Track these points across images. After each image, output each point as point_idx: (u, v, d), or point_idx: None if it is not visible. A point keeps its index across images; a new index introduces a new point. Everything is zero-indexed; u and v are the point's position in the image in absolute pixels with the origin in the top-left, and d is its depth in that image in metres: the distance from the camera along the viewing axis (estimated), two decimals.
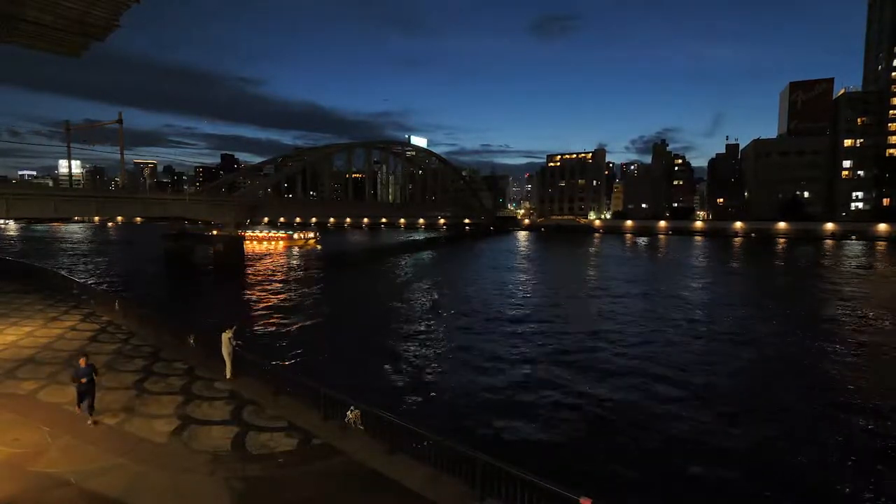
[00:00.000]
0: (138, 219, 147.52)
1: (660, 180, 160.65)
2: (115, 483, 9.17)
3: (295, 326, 29.07)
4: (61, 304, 24.91)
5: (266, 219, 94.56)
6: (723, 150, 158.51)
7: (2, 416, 11.81)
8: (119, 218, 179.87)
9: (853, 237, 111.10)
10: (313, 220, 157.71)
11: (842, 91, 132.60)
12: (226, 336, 14.53)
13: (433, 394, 18.74)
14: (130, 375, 14.81)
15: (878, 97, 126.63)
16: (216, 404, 12.87)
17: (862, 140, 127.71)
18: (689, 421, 16.41)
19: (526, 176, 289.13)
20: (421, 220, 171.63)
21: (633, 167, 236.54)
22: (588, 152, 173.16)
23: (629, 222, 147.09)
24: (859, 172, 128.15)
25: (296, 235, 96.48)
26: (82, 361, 11.65)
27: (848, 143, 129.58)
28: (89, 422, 11.45)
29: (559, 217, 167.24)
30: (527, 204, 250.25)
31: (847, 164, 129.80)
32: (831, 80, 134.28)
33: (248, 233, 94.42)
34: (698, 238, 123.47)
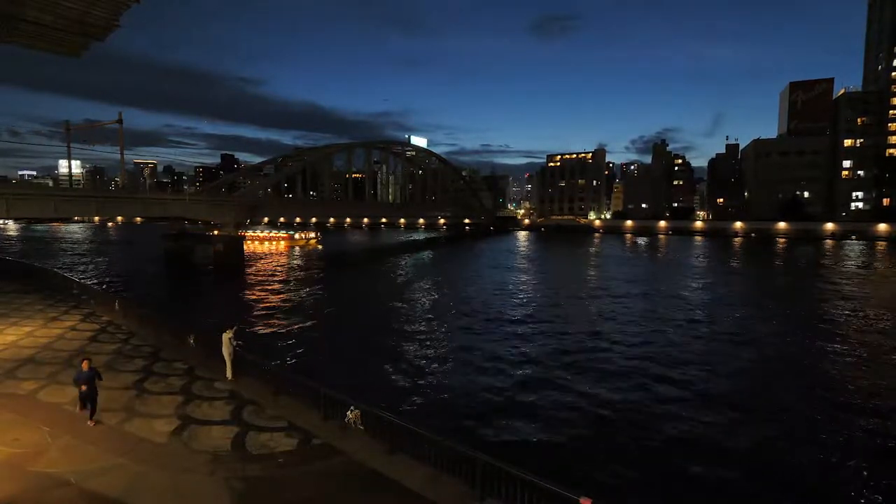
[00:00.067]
0: (138, 219, 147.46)
1: (660, 180, 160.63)
2: (115, 483, 9.17)
3: (295, 326, 29.07)
4: (61, 304, 24.91)
5: (266, 219, 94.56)
6: (723, 150, 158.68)
7: (2, 416, 11.81)
8: (119, 218, 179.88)
9: (853, 237, 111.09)
10: (313, 220, 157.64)
11: (842, 91, 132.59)
12: (226, 336, 14.52)
13: (433, 394, 18.73)
14: (130, 375, 14.81)
15: (878, 97, 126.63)
16: (216, 404, 12.87)
17: (862, 140, 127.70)
18: (690, 421, 16.41)
19: (526, 176, 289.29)
20: (421, 220, 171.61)
21: (633, 167, 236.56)
22: (588, 152, 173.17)
23: (629, 222, 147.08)
24: (859, 172, 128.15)
25: (297, 235, 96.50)
26: (85, 364, 11.56)
27: (848, 143, 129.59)
28: (89, 422, 11.44)
29: (559, 217, 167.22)
30: (527, 204, 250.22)
31: (847, 164, 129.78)
32: (831, 80, 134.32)
33: (250, 233, 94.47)
34: (698, 238, 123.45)
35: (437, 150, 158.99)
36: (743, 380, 20.87)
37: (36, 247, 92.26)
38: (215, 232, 63.63)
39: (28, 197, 45.86)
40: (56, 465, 9.70)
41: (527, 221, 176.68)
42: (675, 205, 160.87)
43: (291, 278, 50.61)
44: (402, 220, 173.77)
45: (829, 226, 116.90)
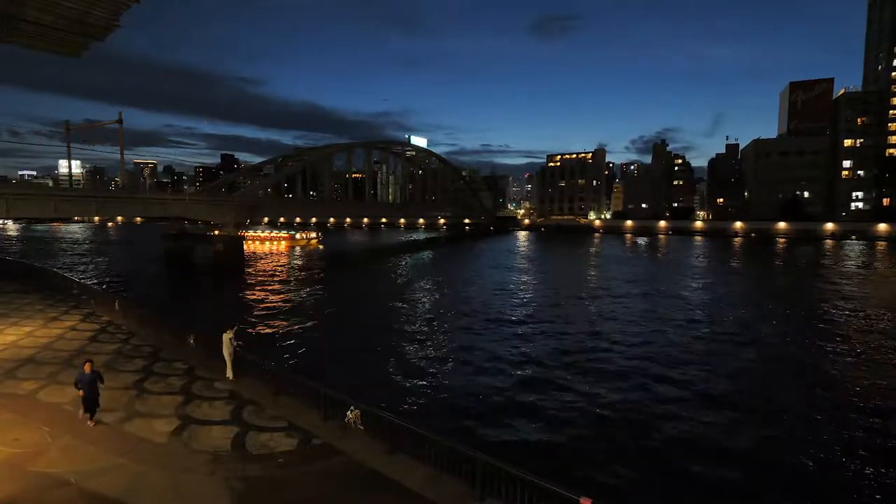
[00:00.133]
0: (138, 219, 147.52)
1: (660, 180, 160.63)
2: (115, 483, 9.17)
3: (295, 326, 29.07)
4: (61, 304, 24.91)
5: (266, 219, 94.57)
6: (723, 150, 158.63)
7: (2, 416, 11.81)
8: (119, 218, 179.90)
9: (853, 237, 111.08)
10: (313, 220, 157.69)
11: (842, 91, 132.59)
12: (226, 336, 14.52)
13: (433, 394, 18.73)
14: (130, 375, 14.81)
15: (878, 97, 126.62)
16: (216, 404, 12.86)
17: (862, 140, 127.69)
18: (690, 421, 16.41)
19: (526, 176, 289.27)
20: (421, 220, 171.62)
21: (633, 167, 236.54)
22: (588, 152, 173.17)
23: (629, 222, 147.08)
24: (859, 172, 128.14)
25: (298, 235, 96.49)
26: (87, 367, 11.45)
27: (848, 143, 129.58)
28: (89, 422, 11.43)
29: (559, 217, 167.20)
30: (527, 204, 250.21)
31: (847, 164, 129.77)
32: (831, 80, 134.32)
33: (250, 233, 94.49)
34: (698, 238, 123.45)
35: (437, 150, 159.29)
36: (743, 380, 20.86)
37: (36, 247, 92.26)
38: (215, 232, 63.66)
39: (28, 197, 45.88)
40: (56, 465, 9.70)
41: (527, 221, 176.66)
42: (675, 205, 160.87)
43: (291, 278, 50.61)
44: (402, 220, 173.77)
45: (829, 226, 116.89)
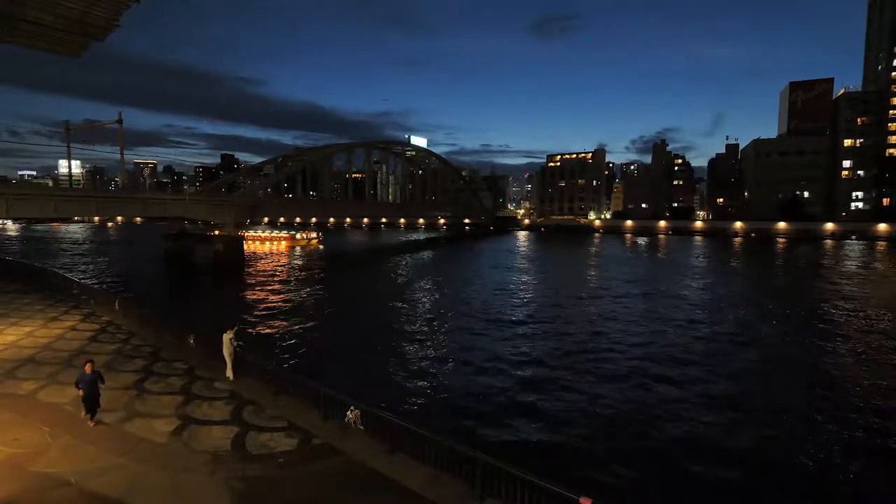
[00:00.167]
0: (138, 219, 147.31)
1: (660, 180, 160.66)
2: (115, 483, 9.16)
3: (295, 326, 29.07)
4: (61, 304, 24.90)
5: (266, 219, 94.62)
6: (723, 150, 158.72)
7: (2, 416, 11.80)
8: (119, 218, 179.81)
9: (853, 237, 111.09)
10: (313, 220, 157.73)
11: (842, 91, 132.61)
12: (227, 337, 14.51)
13: (433, 394, 18.74)
14: (130, 375, 14.80)
15: (878, 97, 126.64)
16: (216, 404, 12.86)
17: (862, 140, 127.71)
18: (690, 421, 16.42)
19: (526, 176, 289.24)
20: (421, 220, 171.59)
21: (633, 167, 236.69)
22: (588, 152, 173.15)
23: (629, 222, 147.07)
24: (859, 172, 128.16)
25: (299, 235, 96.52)
26: (88, 367, 11.42)
27: (848, 143, 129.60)
28: (90, 422, 11.43)
29: (559, 217, 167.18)
30: (527, 204, 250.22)
31: (847, 164, 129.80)
32: (831, 80, 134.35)
33: (251, 233, 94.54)
34: (698, 238, 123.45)
35: (437, 150, 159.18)
36: (743, 380, 20.87)
37: (36, 247, 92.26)
38: (215, 232, 63.69)
39: (28, 197, 45.89)
40: (56, 465, 9.70)
41: (527, 221, 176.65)
42: (675, 205, 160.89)
43: (291, 278, 50.61)
44: (402, 220, 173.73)
45: (829, 226, 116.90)
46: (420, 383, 19.78)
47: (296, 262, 67.57)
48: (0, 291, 27.85)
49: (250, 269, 57.29)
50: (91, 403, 11.32)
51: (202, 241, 64.70)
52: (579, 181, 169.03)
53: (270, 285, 45.18)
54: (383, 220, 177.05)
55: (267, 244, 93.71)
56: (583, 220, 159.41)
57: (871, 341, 26.81)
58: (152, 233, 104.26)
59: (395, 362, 22.36)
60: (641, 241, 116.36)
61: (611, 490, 12.13)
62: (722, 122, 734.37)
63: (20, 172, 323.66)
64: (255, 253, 77.96)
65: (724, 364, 22.76)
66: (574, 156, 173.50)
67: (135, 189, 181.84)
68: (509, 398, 18.31)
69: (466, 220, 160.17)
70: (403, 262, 69.10)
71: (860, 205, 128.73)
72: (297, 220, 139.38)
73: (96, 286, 36.97)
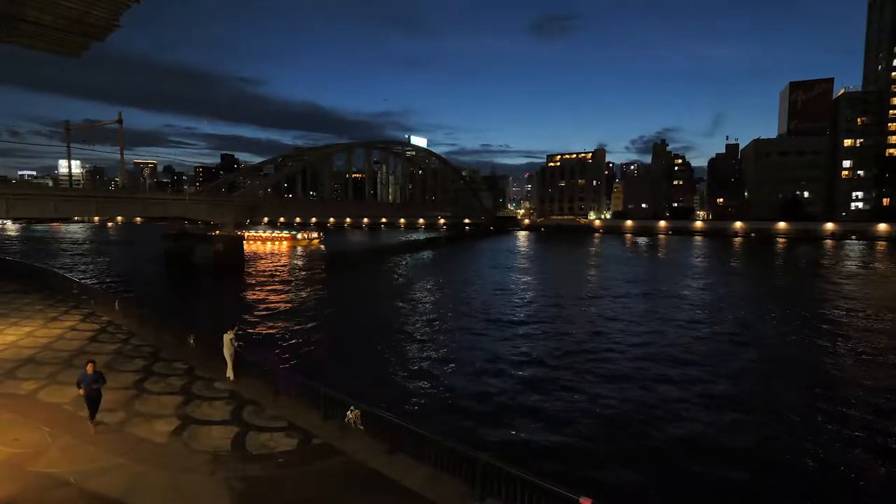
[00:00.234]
0: (138, 219, 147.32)
1: (660, 180, 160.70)
2: (115, 483, 9.16)
3: (295, 326, 29.06)
4: (61, 304, 24.90)
5: (266, 219, 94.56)
6: (723, 150, 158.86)
7: (2, 416, 11.81)
8: (119, 218, 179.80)
9: (853, 237, 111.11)
10: (313, 220, 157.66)
11: (842, 91, 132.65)
12: (227, 337, 14.51)
13: (433, 394, 18.73)
14: (130, 375, 14.81)
15: (878, 97, 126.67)
16: (216, 404, 12.86)
17: (862, 140, 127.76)
18: (690, 421, 16.42)
19: (526, 176, 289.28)
20: (421, 220, 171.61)
21: (633, 167, 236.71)
22: (588, 152, 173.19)
23: (629, 222, 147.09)
24: (859, 172, 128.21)
25: (299, 235, 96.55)
26: (89, 368, 11.26)
27: (848, 143, 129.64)
28: (90, 423, 11.42)
29: (559, 217, 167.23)
30: (527, 204, 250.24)
31: (847, 164, 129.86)
32: (831, 80, 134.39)
33: (251, 233, 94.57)
34: (698, 238, 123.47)
35: (437, 150, 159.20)
36: (743, 380, 20.87)
37: (36, 247, 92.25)
38: (215, 232, 63.67)
39: (28, 197, 45.89)
40: (56, 465, 9.70)
41: (527, 221, 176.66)
42: (675, 205, 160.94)
43: (291, 278, 50.61)
44: (402, 220, 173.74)
45: (829, 226, 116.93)
46: (420, 383, 19.78)
47: (296, 262, 67.56)
48: (0, 291, 27.86)
49: (250, 269, 57.29)
50: (92, 404, 11.30)
51: (202, 241, 64.69)
52: (579, 181, 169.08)
53: (270, 285, 45.18)
54: (383, 220, 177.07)
55: (268, 244, 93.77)
56: (583, 220, 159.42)
57: (871, 341, 26.81)
58: (152, 233, 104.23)
59: (395, 362, 22.36)
60: (641, 241, 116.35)
61: (611, 490, 12.12)
62: (722, 122, 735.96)
63: (20, 172, 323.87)
64: (255, 253, 77.96)
65: (725, 364, 22.76)
66: (574, 156, 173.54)
67: (135, 189, 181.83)
68: (509, 398, 18.30)
69: (466, 220, 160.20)
70: (403, 262, 69.10)
71: (860, 205, 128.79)
72: (297, 220, 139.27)
73: (96, 286, 36.98)
